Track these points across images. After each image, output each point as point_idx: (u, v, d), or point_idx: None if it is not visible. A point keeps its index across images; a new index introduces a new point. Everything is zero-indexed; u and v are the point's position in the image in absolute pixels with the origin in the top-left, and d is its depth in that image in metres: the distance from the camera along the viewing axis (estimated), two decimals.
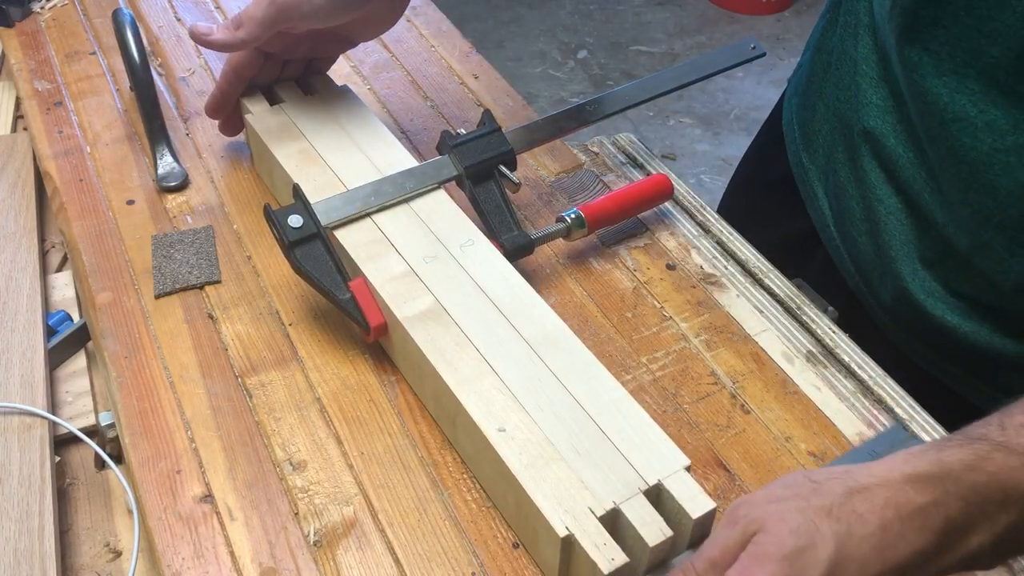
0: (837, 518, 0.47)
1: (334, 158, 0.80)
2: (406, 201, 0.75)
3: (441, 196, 0.76)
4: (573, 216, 0.78)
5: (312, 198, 0.72)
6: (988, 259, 0.69)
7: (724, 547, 0.49)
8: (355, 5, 0.77)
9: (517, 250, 0.75)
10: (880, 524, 0.47)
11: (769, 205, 0.95)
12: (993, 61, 0.62)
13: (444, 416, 0.66)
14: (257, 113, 0.84)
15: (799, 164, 0.88)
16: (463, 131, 0.79)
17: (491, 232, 0.76)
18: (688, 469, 0.58)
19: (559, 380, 0.63)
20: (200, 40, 0.78)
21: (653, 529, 0.55)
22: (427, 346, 0.65)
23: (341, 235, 0.73)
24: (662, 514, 0.56)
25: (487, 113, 0.79)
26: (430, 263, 0.71)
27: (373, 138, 0.82)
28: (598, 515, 0.56)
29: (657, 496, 0.58)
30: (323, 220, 0.71)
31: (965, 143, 0.66)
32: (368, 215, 0.74)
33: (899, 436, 0.65)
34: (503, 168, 0.78)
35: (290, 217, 0.70)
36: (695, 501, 0.57)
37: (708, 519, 0.57)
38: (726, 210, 1.04)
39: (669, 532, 0.55)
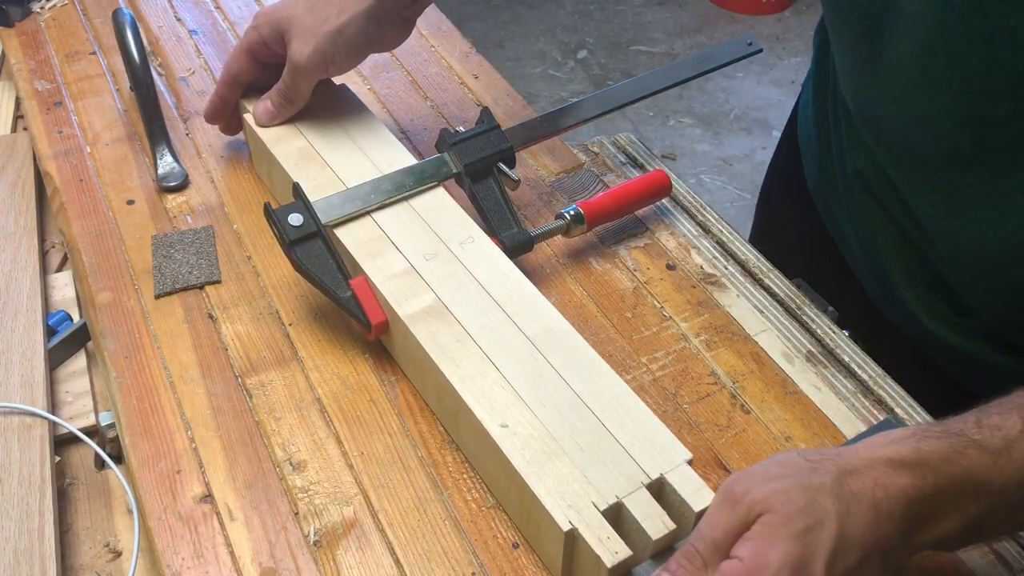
0: (837, 497, 0.49)
1: (333, 157, 0.80)
2: (406, 199, 0.75)
3: (440, 194, 0.76)
4: (572, 213, 0.78)
5: (312, 196, 0.72)
6: (980, 287, 0.70)
7: (726, 527, 0.49)
8: (373, 49, 0.81)
9: (517, 247, 0.75)
10: (872, 503, 0.49)
11: (789, 214, 0.95)
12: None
13: (446, 413, 0.66)
14: None
15: (813, 176, 0.88)
16: (462, 129, 0.79)
17: (491, 229, 0.76)
18: (690, 463, 0.59)
19: (561, 376, 0.63)
20: (267, 124, 0.82)
21: (656, 522, 0.55)
22: (429, 343, 0.65)
23: (341, 233, 0.73)
24: (664, 507, 0.56)
25: (486, 111, 0.79)
26: (431, 260, 0.71)
27: (372, 136, 0.82)
28: (601, 509, 0.56)
29: (659, 490, 0.58)
30: (323, 218, 0.71)
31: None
32: (368, 213, 0.74)
33: (892, 428, 0.65)
34: (502, 165, 0.78)
35: (290, 216, 0.70)
36: (697, 494, 0.57)
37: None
38: (759, 230, 1.03)
39: (672, 525, 0.55)
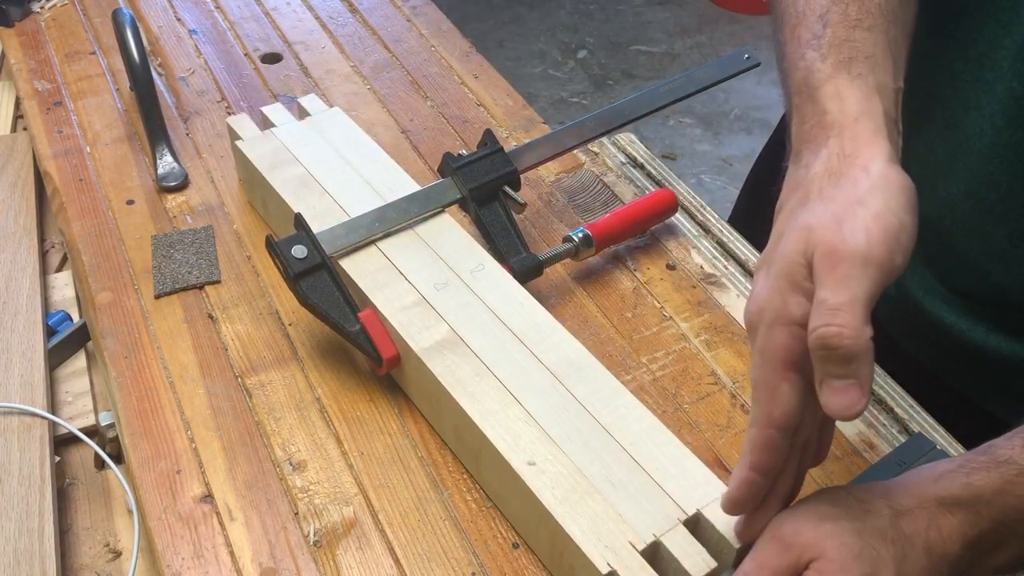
0: (892, 541, 0.48)
1: (332, 183, 0.77)
2: (411, 226, 0.73)
3: (446, 220, 0.75)
4: (581, 235, 0.77)
5: (313, 226, 0.70)
6: (988, 252, 0.69)
7: (775, 569, 0.48)
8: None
9: (526, 272, 0.74)
10: (926, 546, 0.48)
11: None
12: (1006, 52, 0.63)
13: (466, 451, 0.64)
14: (248, 139, 0.82)
15: None
16: (464, 152, 0.78)
17: (499, 255, 0.74)
18: None
19: (586, 409, 0.61)
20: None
21: (696, 561, 0.54)
22: (446, 378, 0.63)
23: (347, 264, 0.71)
24: (702, 544, 0.55)
25: (488, 133, 0.78)
26: (441, 290, 0.69)
27: (370, 161, 0.80)
28: (639, 549, 0.54)
29: (695, 525, 0.57)
30: (327, 249, 0.69)
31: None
32: (373, 242, 0.72)
33: (923, 446, 0.65)
34: (507, 189, 0.77)
35: (294, 248, 0.67)
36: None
37: (750, 548, 0.55)
38: (741, 215, 1.03)
39: (713, 563, 0.54)
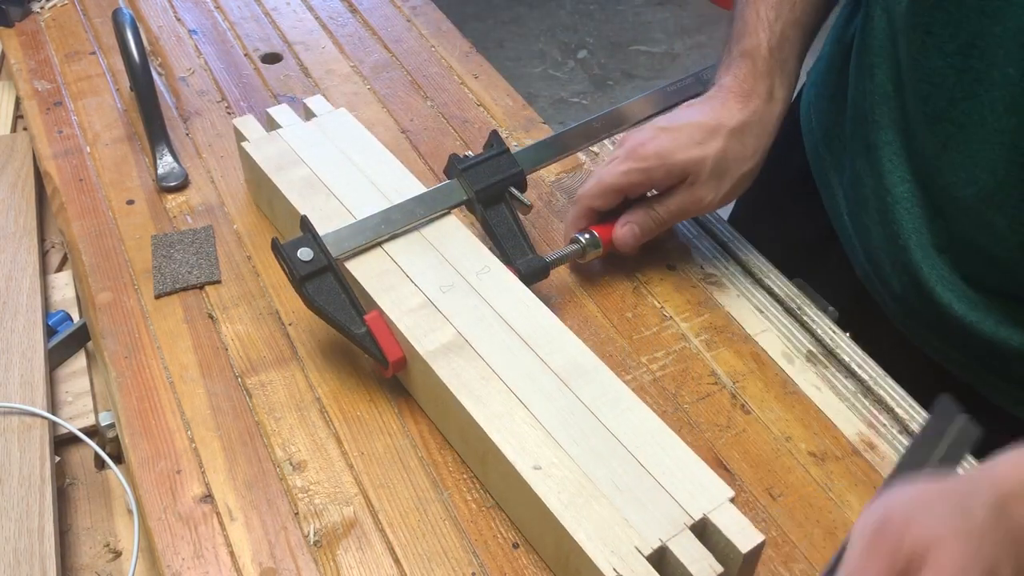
0: (1006, 530, 0.46)
1: (338, 185, 0.77)
2: (416, 228, 0.73)
3: (452, 222, 0.74)
4: (587, 237, 0.77)
5: (319, 228, 0.69)
6: (993, 240, 0.69)
7: (878, 572, 0.45)
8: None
9: (533, 274, 0.73)
10: None
11: (785, 203, 0.95)
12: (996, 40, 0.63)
13: (472, 455, 0.64)
14: (254, 141, 0.81)
15: (816, 153, 0.88)
16: (471, 154, 0.77)
17: (505, 257, 0.74)
18: (732, 500, 0.57)
19: (592, 412, 0.61)
20: (631, 248, 0.77)
21: (703, 566, 0.54)
22: (452, 381, 0.63)
23: (352, 266, 0.70)
24: (709, 548, 0.55)
25: (494, 134, 0.78)
26: (447, 293, 0.68)
27: (376, 162, 0.79)
28: (645, 554, 0.54)
29: (702, 530, 0.56)
30: (333, 251, 0.69)
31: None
32: (379, 244, 0.72)
33: (950, 411, 0.59)
34: (513, 190, 0.77)
35: (299, 250, 0.67)
36: (744, 534, 0.55)
37: (757, 552, 0.56)
38: (740, 212, 1.03)
39: (719, 568, 0.54)
